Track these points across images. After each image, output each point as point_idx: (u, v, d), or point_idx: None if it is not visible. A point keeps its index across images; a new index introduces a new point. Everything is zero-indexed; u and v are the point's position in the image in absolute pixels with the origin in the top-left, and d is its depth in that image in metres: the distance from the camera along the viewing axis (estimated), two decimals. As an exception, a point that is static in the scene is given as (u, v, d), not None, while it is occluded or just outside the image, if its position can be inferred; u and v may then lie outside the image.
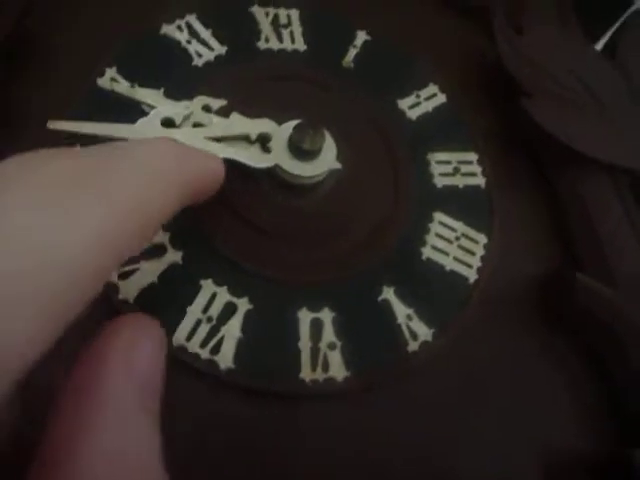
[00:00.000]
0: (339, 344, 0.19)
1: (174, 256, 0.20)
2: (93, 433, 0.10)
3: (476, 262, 0.22)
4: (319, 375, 0.19)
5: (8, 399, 0.09)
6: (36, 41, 0.22)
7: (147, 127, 0.19)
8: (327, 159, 0.21)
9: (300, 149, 0.20)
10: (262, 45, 0.25)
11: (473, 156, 0.24)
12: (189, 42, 0.24)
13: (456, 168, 0.24)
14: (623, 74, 0.26)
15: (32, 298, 0.09)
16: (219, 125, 0.20)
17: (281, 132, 0.21)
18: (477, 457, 0.20)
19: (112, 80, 0.22)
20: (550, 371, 0.21)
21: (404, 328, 0.20)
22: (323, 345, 0.19)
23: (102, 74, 0.22)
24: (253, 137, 0.20)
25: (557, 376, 0.21)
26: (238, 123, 0.20)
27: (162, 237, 0.20)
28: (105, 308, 0.18)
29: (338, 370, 0.19)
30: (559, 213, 0.24)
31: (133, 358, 0.11)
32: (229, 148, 0.20)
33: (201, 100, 0.21)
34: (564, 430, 0.20)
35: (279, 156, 0.20)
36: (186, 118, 0.20)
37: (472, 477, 0.19)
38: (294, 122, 0.20)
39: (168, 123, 0.20)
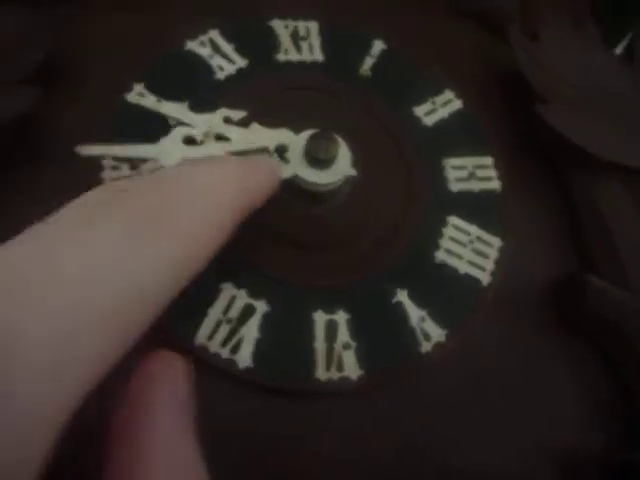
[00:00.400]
0: (354, 345, 0.20)
1: (196, 261, 0.21)
2: (153, 461, 0.11)
3: (490, 265, 0.23)
4: (334, 374, 0.20)
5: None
6: (65, 61, 0.24)
7: (171, 146, 0.20)
8: (342, 166, 0.21)
9: (315, 158, 0.21)
10: (282, 57, 0.26)
11: (489, 160, 0.25)
12: (211, 57, 0.25)
13: (471, 173, 0.24)
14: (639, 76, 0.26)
15: (108, 318, 0.10)
16: (239, 139, 0.21)
17: (297, 142, 0.21)
18: (488, 457, 0.20)
19: (139, 95, 0.23)
20: (562, 374, 0.22)
21: (417, 329, 0.21)
22: (338, 345, 0.20)
23: (130, 90, 0.23)
24: (271, 148, 0.21)
25: (569, 379, 0.21)
26: (257, 135, 0.22)
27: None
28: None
29: (352, 369, 0.20)
30: (574, 217, 0.24)
31: (176, 389, 0.13)
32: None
33: (222, 112, 0.22)
34: (575, 432, 0.21)
35: (296, 165, 0.21)
36: (207, 133, 0.21)
37: (484, 476, 0.20)
38: (309, 132, 0.21)
39: (189, 141, 0.21)
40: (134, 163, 0.21)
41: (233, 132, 0.21)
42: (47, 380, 0.09)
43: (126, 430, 0.12)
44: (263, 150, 0.21)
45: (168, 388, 0.13)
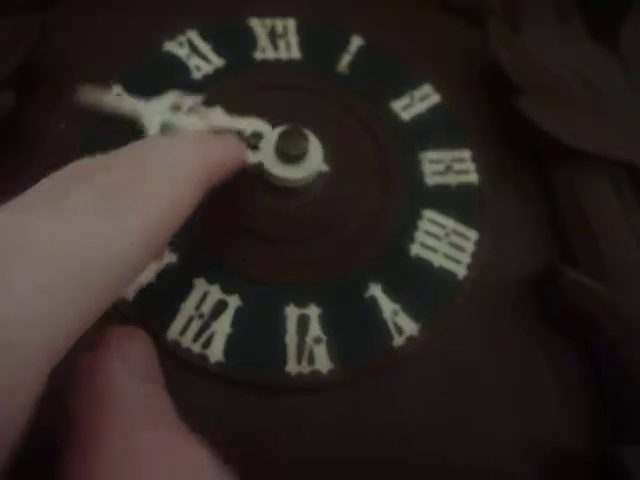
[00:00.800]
0: (325, 338, 0.20)
1: (170, 258, 0.21)
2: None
3: (466, 258, 0.23)
4: (304, 368, 0.20)
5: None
6: (46, 65, 0.25)
7: (157, 108, 0.22)
8: (313, 163, 0.22)
9: (286, 154, 0.21)
10: (259, 56, 0.26)
11: (467, 154, 0.25)
12: (189, 57, 0.25)
13: (448, 166, 0.24)
14: (624, 67, 0.26)
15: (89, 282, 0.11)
16: (220, 120, 0.22)
17: (270, 136, 0.22)
18: (465, 450, 0.20)
19: (117, 95, 0.24)
20: (539, 368, 0.21)
21: (390, 323, 0.21)
22: (309, 339, 0.20)
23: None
24: (247, 133, 0.22)
25: (546, 373, 0.21)
26: (237, 119, 0.22)
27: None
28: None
29: (323, 363, 0.20)
30: (555, 209, 0.24)
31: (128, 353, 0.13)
32: None
33: (170, 97, 0.23)
34: (554, 425, 0.20)
35: (267, 158, 0.21)
36: (192, 109, 0.22)
37: (460, 470, 0.20)
38: (281, 128, 0.21)
39: (176, 108, 0.22)
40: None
41: (216, 114, 0.22)
42: (31, 329, 0.10)
43: (89, 389, 0.12)
44: (239, 133, 0.22)
45: (129, 353, 0.13)
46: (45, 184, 0.12)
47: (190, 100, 0.23)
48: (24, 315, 0.10)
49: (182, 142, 0.16)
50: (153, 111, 0.22)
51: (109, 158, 0.14)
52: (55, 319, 0.10)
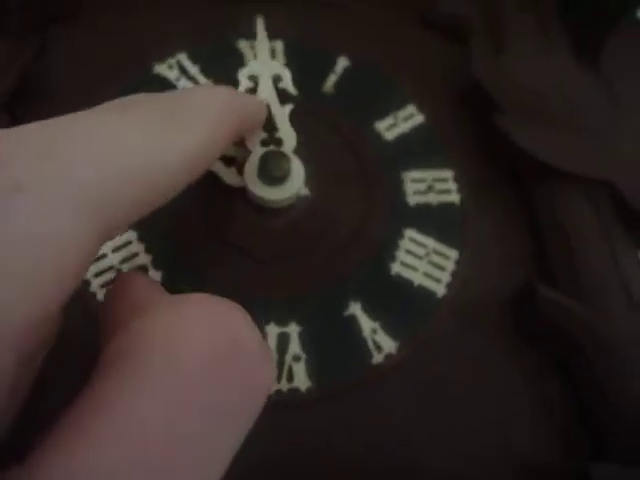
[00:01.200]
0: (304, 356, 0.21)
1: (155, 275, 0.22)
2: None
3: (446, 277, 0.23)
4: (283, 385, 0.20)
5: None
6: (35, 87, 0.25)
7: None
8: (295, 184, 0.22)
9: (268, 175, 0.22)
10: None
11: (449, 173, 0.25)
12: (178, 79, 0.26)
13: (430, 186, 0.25)
14: (606, 83, 0.26)
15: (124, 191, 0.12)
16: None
17: (254, 157, 0.22)
18: (444, 465, 0.20)
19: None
20: (519, 383, 0.22)
21: (369, 341, 0.21)
22: (288, 357, 0.21)
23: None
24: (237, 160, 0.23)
25: (526, 388, 0.22)
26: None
27: (144, 259, 0.22)
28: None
29: (302, 381, 0.20)
30: (535, 227, 0.25)
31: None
32: (218, 164, 0.23)
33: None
34: (532, 441, 0.21)
35: (250, 179, 0.22)
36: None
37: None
38: (263, 149, 0.22)
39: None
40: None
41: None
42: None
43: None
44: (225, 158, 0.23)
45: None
46: (107, 104, 0.14)
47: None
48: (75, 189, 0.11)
49: (227, 90, 0.17)
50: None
51: (159, 94, 0.16)
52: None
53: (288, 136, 0.23)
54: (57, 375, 0.15)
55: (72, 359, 0.15)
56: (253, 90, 0.25)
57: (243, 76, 0.25)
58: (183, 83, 0.26)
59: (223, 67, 0.27)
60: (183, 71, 0.26)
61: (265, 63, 0.25)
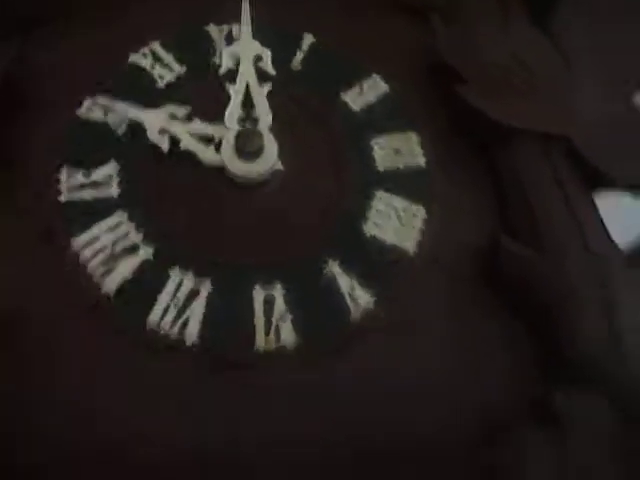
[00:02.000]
0: (290, 316, 0.23)
1: (146, 253, 0.23)
2: None
3: (416, 235, 0.25)
4: (271, 344, 0.22)
5: None
6: (18, 85, 0.27)
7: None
8: (269, 159, 0.24)
9: (243, 151, 0.23)
10: (217, 60, 0.28)
11: (414, 137, 0.27)
12: (153, 67, 0.27)
13: (397, 150, 0.26)
14: (558, 48, 0.28)
15: None
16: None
17: (228, 137, 0.24)
18: (428, 420, 0.22)
19: (88, 110, 0.26)
20: (490, 333, 0.23)
21: (347, 297, 0.23)
22: (275, 318, 0.22)
23: (80, 105, 0.26)
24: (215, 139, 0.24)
25: (494, 331, 0.23)
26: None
27: (135, 237, 0.23)
28: (90, 301, 0.22)
29: (289, 339, 0.22)
30: (498, 185, 0.26)
31: None
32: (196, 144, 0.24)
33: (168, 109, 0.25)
34: (499, 376, 0.22)
35: (227, 158, 0.24)
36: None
37: (424, 440, 0.21)
38: (237, 128, 0.24)
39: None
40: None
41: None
42: None
43: None
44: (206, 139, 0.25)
45: None
46: None
47: (183, 110, 0.26)
48: None
49: None
50: (154, 118, 0.25)
51: None
52: None
53: (264, 114, 0.25)
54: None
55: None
56: (234, 70, 0.26)
57: (226, 56, 0.26)
58: (158, 70, 0.27)
59: (196, 53, 0.28)
60: (157, 59, 0.28)
61: (247, 44, 0.27)
